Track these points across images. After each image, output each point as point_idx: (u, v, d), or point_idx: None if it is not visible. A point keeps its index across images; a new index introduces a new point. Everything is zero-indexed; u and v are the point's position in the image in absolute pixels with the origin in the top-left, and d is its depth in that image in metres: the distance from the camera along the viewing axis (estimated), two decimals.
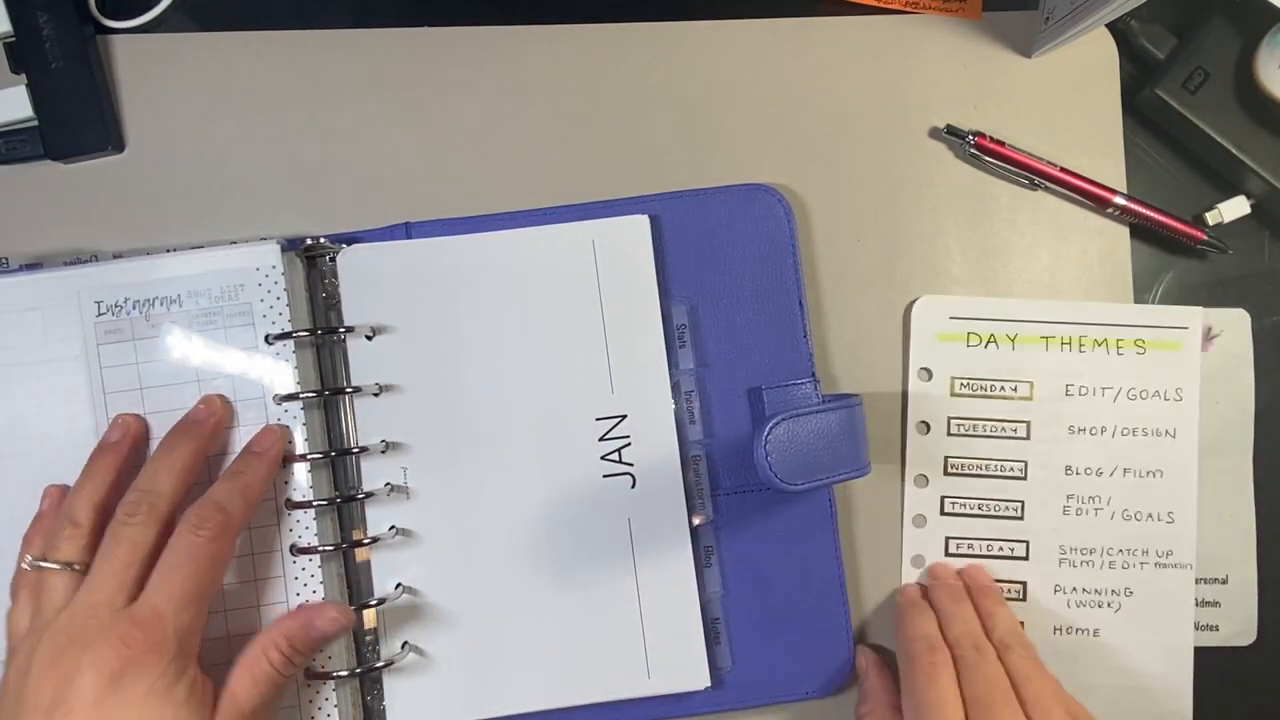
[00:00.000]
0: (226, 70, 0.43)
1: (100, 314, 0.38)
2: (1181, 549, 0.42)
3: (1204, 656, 0.43)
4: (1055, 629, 0.43)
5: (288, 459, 0.38)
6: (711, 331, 0.42)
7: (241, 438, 0.38)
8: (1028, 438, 0.43)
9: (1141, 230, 0.44)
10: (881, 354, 0.43)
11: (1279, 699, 0.44)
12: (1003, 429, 0.43)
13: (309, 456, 0.38)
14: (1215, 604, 0.43)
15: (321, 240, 0.40)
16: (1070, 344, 0.43)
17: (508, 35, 0.43)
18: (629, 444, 0.40)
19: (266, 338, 0.38)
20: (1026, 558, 0.43)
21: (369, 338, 0.40)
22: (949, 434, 0.43)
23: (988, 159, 0.43)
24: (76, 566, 0.33)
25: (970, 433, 0.43)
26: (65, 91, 0.41)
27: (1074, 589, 0.43)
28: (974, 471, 0.43)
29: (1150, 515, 0.43)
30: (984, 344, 0.43)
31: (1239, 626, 0.43)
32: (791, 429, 0.38)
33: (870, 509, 0.43)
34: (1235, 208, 0.44)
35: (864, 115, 0.44)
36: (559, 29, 0.43)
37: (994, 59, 0.44)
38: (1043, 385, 0.43)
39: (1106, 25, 0.42)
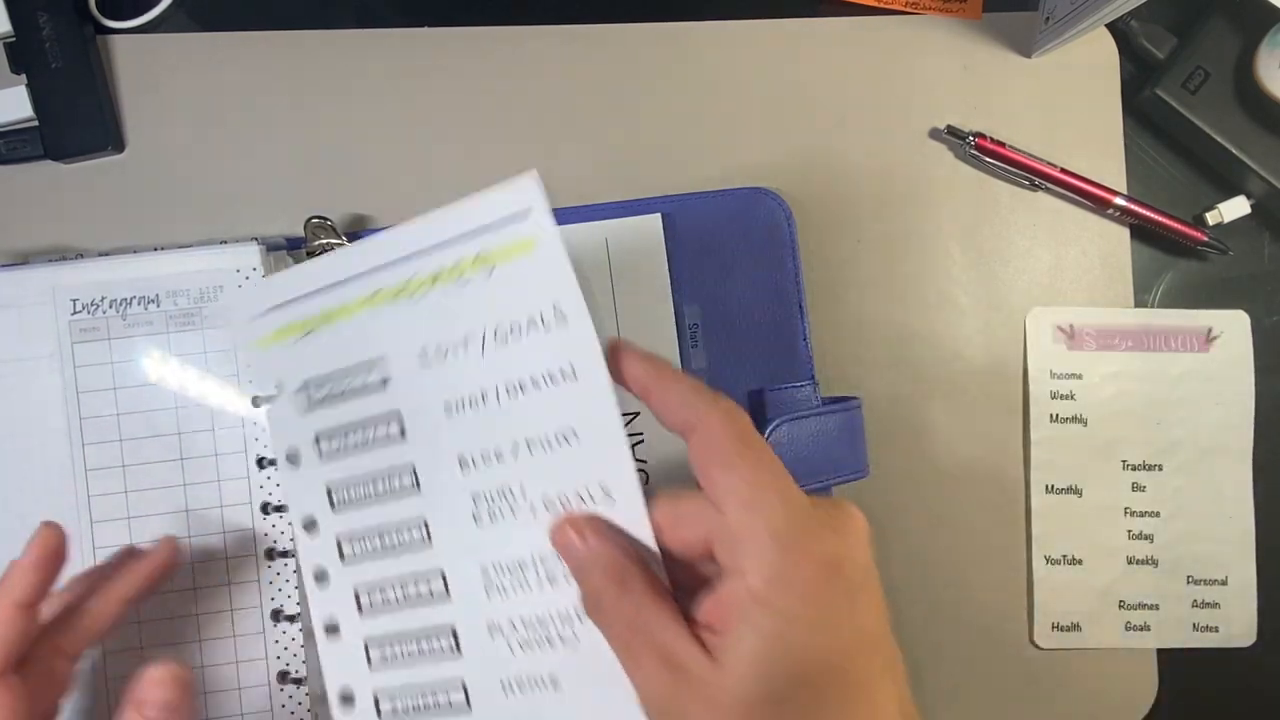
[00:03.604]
0: (226, 70, 0.43)
1: (75, 312, 0.38)
2: (645, 534, 0.28)
3: (1204, 657, 0.43)
4: (503, 686, 0.31)
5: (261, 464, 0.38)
6: (713, 334, 0.42)
7: (217, 441, 0.38)
8: (403, 436, 0.32)
9: (1142, 231, 0.44)
10: (881, 357, 0.43)
11: (1279, 699, 0.44)
12: (374, 434, 0.32)
13: (277, 460, 0.37)
14: (1215, 605, 0.43)
15: (333, 242, 0.40)
16: (403, 293, 0.30)
17: (507, 36, 0.43)
18: (642, 440, 0.40)
19: None
20: (447, 594, 0.31)
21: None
22: (322, 459, 0.32)
23: (988, 160, 0.43)
24: None
25: (344, 451, 0.32)
26: (65, 91, 0.41)
27: (513, 624, 0.30)
28: (363, 497, 0.32)
29: (580, 496, 0.29)
30: (306, 332, 0.32)
31: (1239, 627, 0.43)
32: (791, 431, 0.38)
33: (871, 509, 0.43)
34: (1235, 208, 0.44)
35: (864, 116, 0.44)
36: (558, 30, 0.43)
37: (994, 59, 0.44)
38: (394, 361, 0.31)
39: (1106, 25, 0.42)
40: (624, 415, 0.33)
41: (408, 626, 0.32)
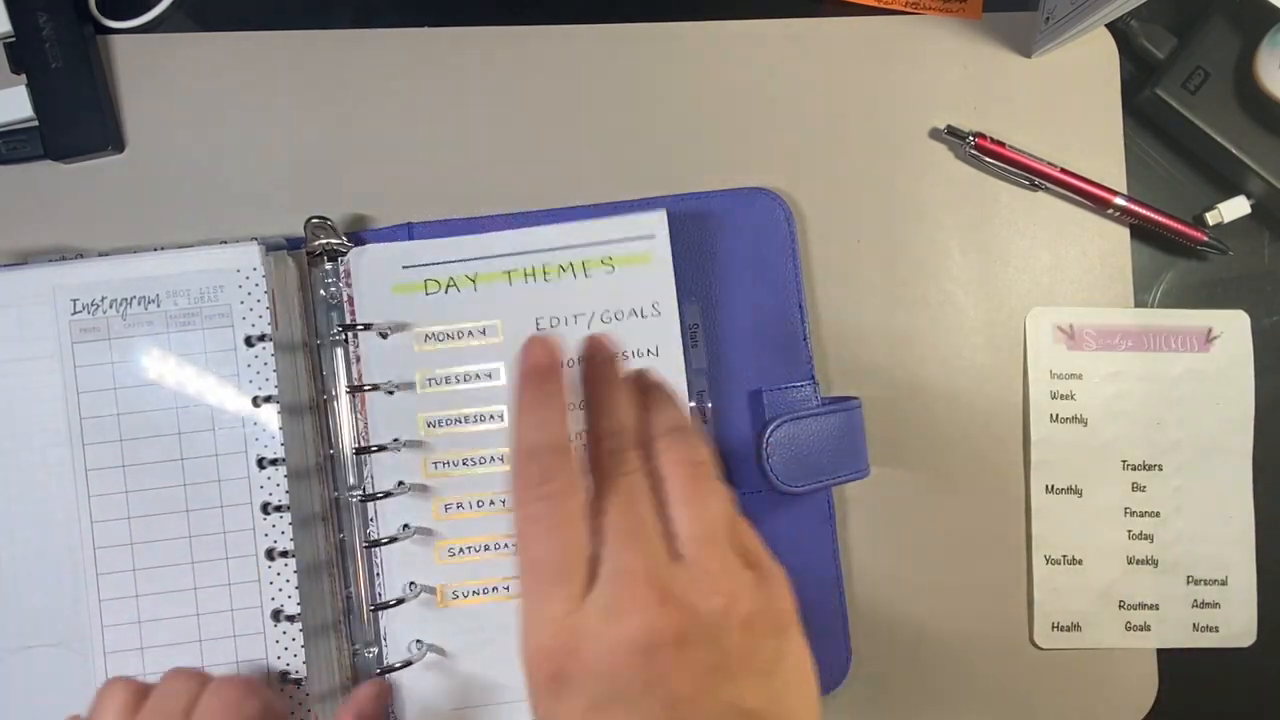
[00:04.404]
0: (226, 70, 0.43)
1: (76, 312, 0.38)
2: None
3: (1204, 657, 0.43)
4: None
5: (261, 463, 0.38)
6: (713, 334, 0.42)
7: (217, 441, 0.38)
8: (503, 383, 0.40)
9: (1142, 231, 0.44)
10: (881, 356, 0.43)
11: (1279, 699, 0.44)
12: (476, 377, 0.40)
13: (278, 460, 0.38)
14: (1215, 605, 0.43)
15: (333, 242, 0.40)
16: (534, 274, 0.40)
17: (507, 36, 0.43)
18: None
19: (247, 339, 0.38)
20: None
21: (384, 336, 0.40)
22: (421, 390, 0.40)
23: (988, 160, 0.43)
24: None
25: (445, 385, 0.40)
26: (65, 91, 0.41)
27: None
28: (454, 425, 0.40)
29: None
30: (444, 289, 0.40)
31: (1239, 627, 0.43)
32: (791, 432, 0.38)
33: (871, 509, 0.43)
34: (1235, 208, 0.44)
35: (864, 116, 0.44)
36: (557, 29, 0.43)
37: (994, 59, 0.44)
38: (512, 323, 0.40)
39: (1106, 25, 0.42)
40: None
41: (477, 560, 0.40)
